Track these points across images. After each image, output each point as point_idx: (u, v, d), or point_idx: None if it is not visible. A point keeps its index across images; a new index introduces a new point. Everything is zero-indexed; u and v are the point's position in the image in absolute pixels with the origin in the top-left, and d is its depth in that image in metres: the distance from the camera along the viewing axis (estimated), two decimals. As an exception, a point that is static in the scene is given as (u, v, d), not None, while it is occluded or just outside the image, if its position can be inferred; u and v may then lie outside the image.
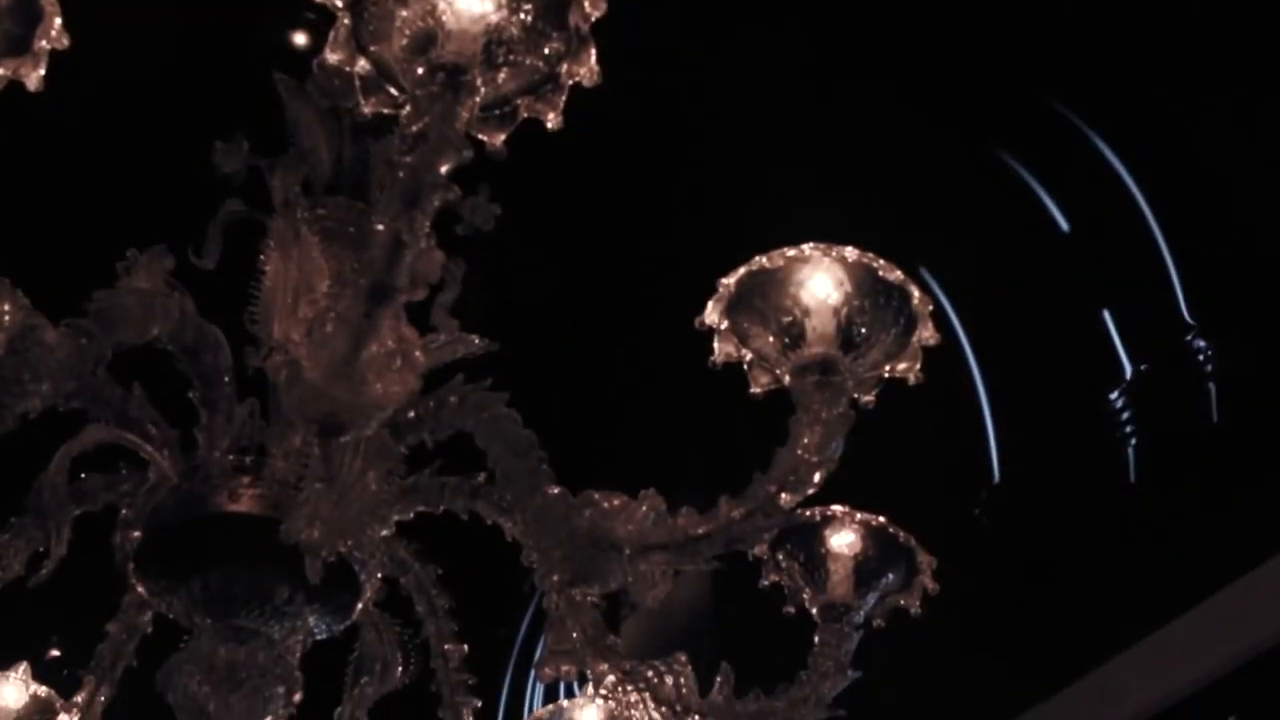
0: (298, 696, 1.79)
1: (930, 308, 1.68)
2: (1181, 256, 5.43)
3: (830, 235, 1.70)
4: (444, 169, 1.39)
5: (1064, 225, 5.91)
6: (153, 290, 1.96)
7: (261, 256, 2.08)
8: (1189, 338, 5.29)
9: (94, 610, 2.25)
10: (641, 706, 1.63)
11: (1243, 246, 5.16)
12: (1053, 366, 5.69)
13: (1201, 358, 5.22)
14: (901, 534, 1.90)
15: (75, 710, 2.25)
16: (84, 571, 2.04)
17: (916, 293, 1.68)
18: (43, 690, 2.38)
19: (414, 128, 1.40)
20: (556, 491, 1.65)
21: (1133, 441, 5.34)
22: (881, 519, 1.89)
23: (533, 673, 5.66)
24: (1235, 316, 5.16)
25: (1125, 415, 5.40)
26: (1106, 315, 5.64)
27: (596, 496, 1.62)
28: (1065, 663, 4.97)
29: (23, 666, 2.42)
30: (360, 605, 1.81)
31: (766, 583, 1.88)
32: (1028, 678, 5.04)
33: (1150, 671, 4.68)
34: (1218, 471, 4.88)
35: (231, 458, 1.86)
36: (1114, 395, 5.46)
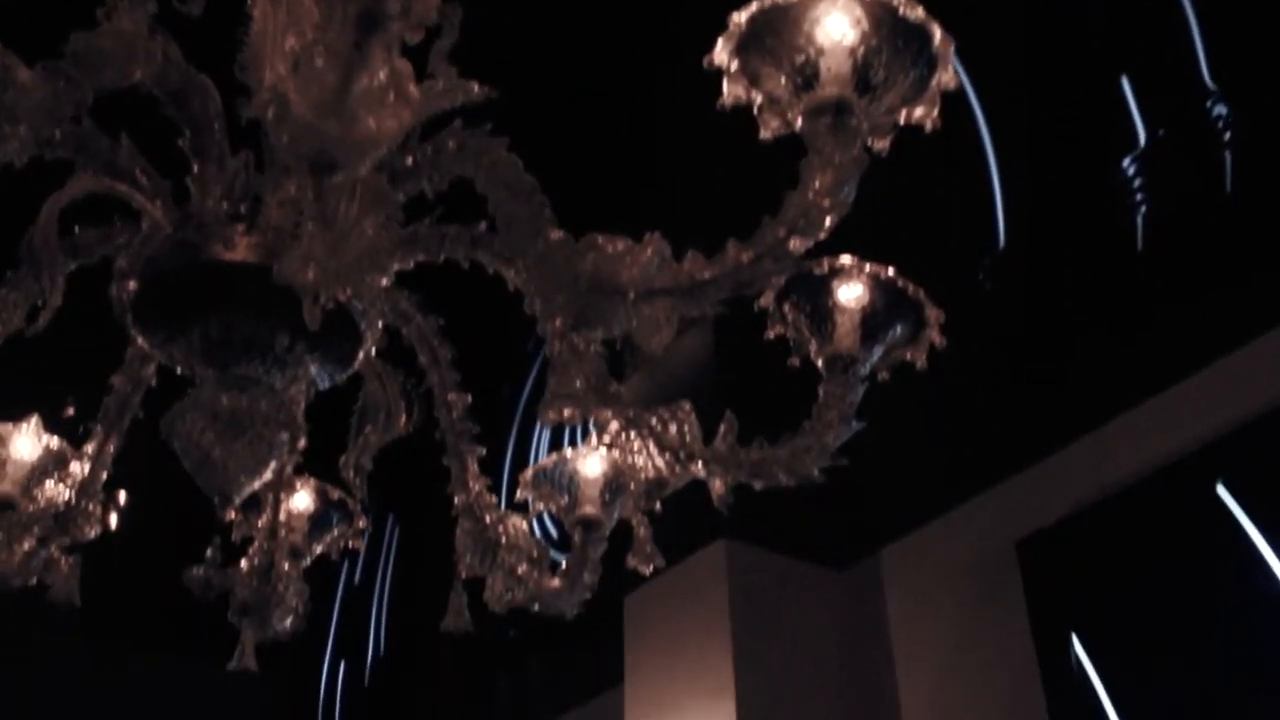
0: (302, 443, 1.80)
1: (952, 48, 1.59)
2: (1206, 19, 5.22)
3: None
4: (434, -115, 1.29)
5: (1086, -15, 5.67)
6: (133, 32, 1.88)
7: (249, 2, 1.99)
8: (1209, 104, 5.14)
9: (108, 370, 2.27)
10: (645, 453, 1.63)
11: (1271, 10, 4.95)
12: (1066, 131, 5.56)
13: (1220, 124, 5.08)
14: (911, 287, 1.86)
15: (86, 459, 2.29)
16: (98, 331, 2.03)
17: (938, 33, 1.59)
18: (55, 441, 2.40)
19: None
20: (558, 236, 1.61)
21: (1142, 209, 5.27)
22: (891, 271, 1.85)
23: (537, 430, 5.77)
24: (1258, 83, 5.00)
25: (1137, 183, 5.31)
26: (1125, 81, 5.47)
27: (600, 240, 1.57)
28: (1061, 426, 5.04)
29: (34, 419, 2.44)
30: (362, 354, 1.80)
31: (771, 335, 1.85)
32: (1023, 440, 5.13)
33: (1144, 436, 4.75)
34: (1227, 242, 4.83)
35: (226, 205, 1.82)
36: (1126, 162, 5.36)
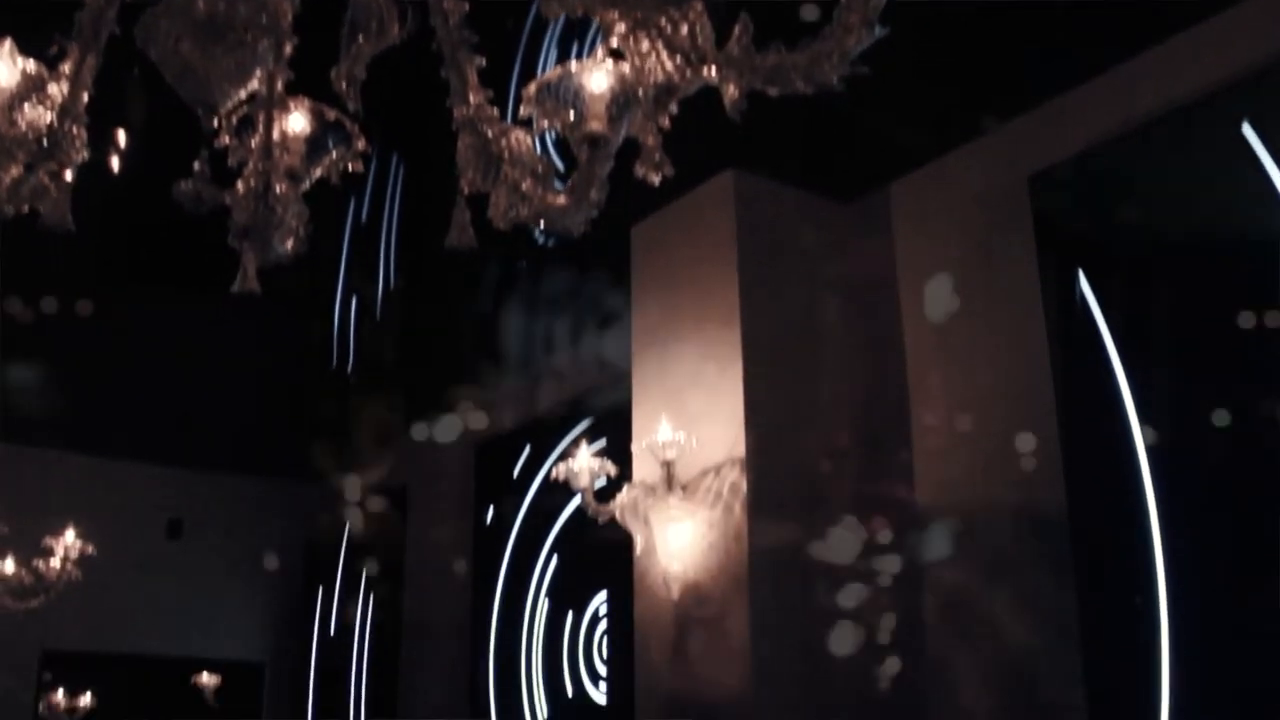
0: (289, 50, 1.69)
1: None
2: None
3: None
4: None
5: None
6: None
7: None
8: None
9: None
10: (654, 56, 1.52)
11: None
12: None
13: None
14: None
15: (64, 80, 2.18)
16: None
17: None
18: (31, 65, 2.28)
19: None
20: None
21: None
22: None
23: (543, 58, 5.54)
24: None
25: None
26: None
27: None
28: (1083, 59, 4.84)
29: (7, 42, 2.31)
30: (347, -46, 1.66)
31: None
32: (1042, 72, 4.95)
33: (1169, 72, 4.56)
34: None
35: None
36: None
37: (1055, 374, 4.68)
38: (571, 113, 1.85)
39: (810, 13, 1.58)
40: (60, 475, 8.95)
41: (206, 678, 8.96)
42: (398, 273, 8.70)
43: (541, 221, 1.81)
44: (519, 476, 7.49)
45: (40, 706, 8.51)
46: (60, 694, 8.29)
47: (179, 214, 2.14)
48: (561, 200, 1.81)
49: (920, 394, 5.22)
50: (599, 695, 6.52)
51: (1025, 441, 4.75)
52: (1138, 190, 4.65)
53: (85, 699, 8.30)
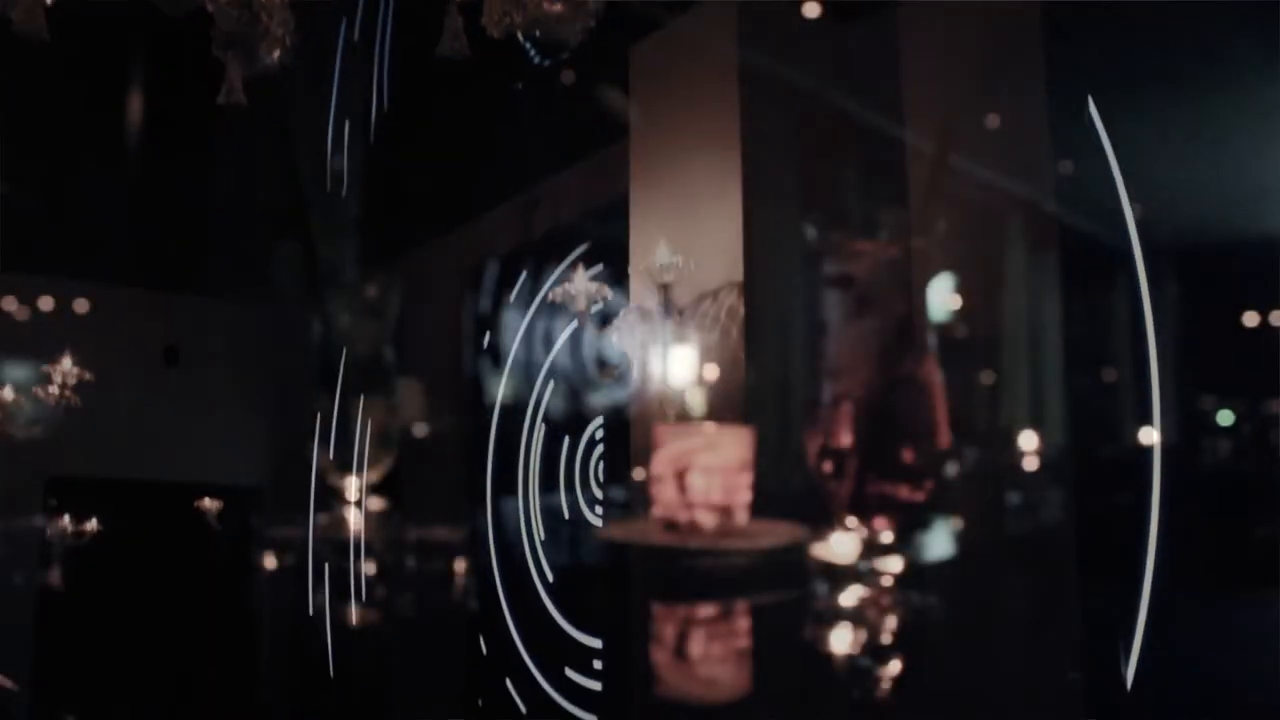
0: None
1: None
2: None
3: None
4: None
5: None
6: None
7: None
8: None
9: None
10: None
11: None
12: None
13: None
14: None
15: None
16: None
17: None
18: None
19: None
20: None
21: None
22: None
23: None
24: None
25: None
26: None
27: None
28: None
29: None
30: None
31: None
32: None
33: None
34: None
35: None
36: None
37: (1060, 200, 4.63)
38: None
39: None
40: (56, 302, 8.92)
41: (209, 502, 9.10)
42: (391, 95, 8.51)
43: (536, 31, 1.72)
44: (515, 301, 7.48)
45: (48, 531, 8.67)
46: (66, 519, 8.43)
47: (173, 30, 2.05)
48: (559, 8, 1.72)
49: (921, 219, 5.15)
50: (595, 519, 6.64)
51: (1020, 257, 4.72)
52: (1153, 19, 4.50)
53: (91, 523, 8.45)
